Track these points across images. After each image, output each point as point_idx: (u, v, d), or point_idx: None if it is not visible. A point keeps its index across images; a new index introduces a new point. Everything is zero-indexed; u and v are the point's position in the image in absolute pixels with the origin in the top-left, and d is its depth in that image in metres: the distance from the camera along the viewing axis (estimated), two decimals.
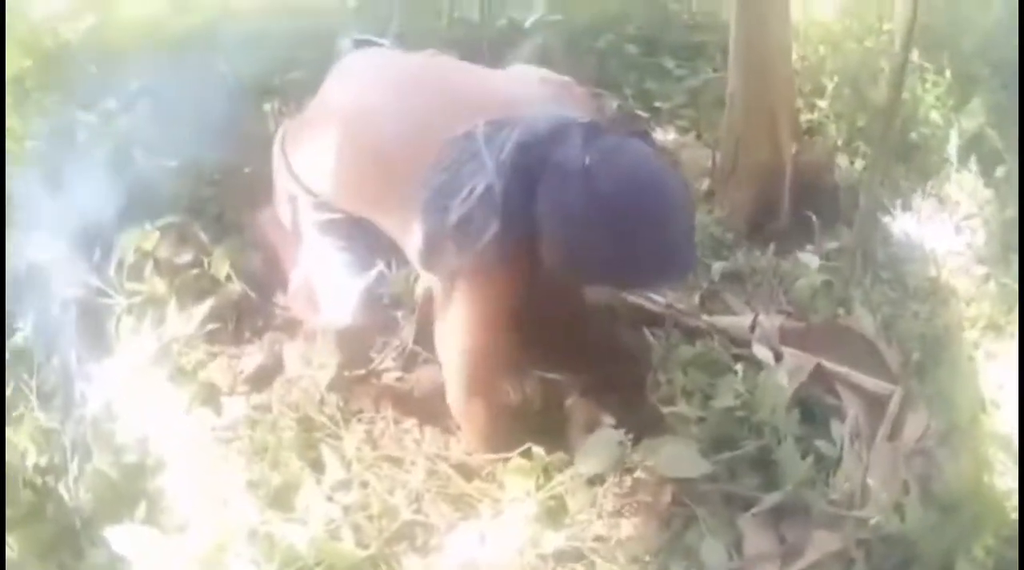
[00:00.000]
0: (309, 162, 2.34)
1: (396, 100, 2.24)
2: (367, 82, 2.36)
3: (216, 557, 2.09)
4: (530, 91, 2.24)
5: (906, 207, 3.31)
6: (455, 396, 2.29)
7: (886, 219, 3.25)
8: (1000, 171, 3.47)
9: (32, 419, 2.47)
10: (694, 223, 2.18)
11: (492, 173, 2.02)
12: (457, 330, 2.19)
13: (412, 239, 2.14)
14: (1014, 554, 2.18)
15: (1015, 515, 2.26)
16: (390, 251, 2.37)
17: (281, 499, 2.26)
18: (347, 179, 2.27)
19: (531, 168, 2.02)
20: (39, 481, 2.40)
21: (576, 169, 1.98)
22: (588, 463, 2.19)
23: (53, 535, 2.26)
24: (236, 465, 2.31)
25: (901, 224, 3.28)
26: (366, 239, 2.37)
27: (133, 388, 2.43)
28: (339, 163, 2.25)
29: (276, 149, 2.41)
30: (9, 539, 2.22)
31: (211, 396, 2.49)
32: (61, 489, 2.34)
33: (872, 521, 2.17)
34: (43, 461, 2.43)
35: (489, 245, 2.02)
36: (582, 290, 2.59)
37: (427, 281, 2.45)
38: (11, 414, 2.51)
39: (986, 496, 2.31)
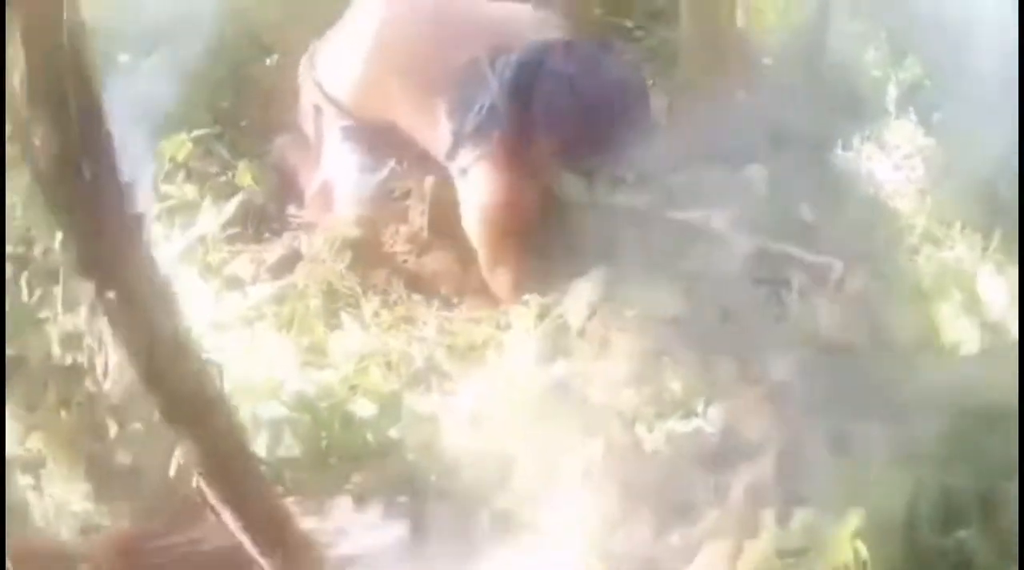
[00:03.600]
0: (336, 72, 3.03)
1: (417, 25, 3.02)
2: (395, 5, 3.04)
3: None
4: (522, 22, 3.05)
5: (846, 147, 3.91)
6: (485, 262, 3.02)
7: (829, 156, 3.85)
8: (937, 117, 3.95)
9: (57, 325, 2.93)
10: (650, 104, 3.11)
11: (495, 92, 2.85)
12: (477, 212, 2.97)
13: (437, 139, 2.95)
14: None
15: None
16: (401, 152, 3.02)
17: (311, 357, 2.79)
18: (374, 87, 3.00)
19: (527, 83, 2.85)
20: (63, 380, 2.85)
21: (563, 75, 2.83)
22: (578, 301, 2.76)
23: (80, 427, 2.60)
24: (265, 338, 2.83)
25: (841, 160, 3.88)
26: (380, 142, 3.07)
27: None
28: (367, 72, 3.00)
29: (304, 65, 3.08)
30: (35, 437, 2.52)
31: (237, 286, 2.99)
32: (88, 384, 2.81)
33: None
34: (68, 360, 2.90)
35: (496, 146, 2.86)
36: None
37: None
38: (36, 316, 2.97)
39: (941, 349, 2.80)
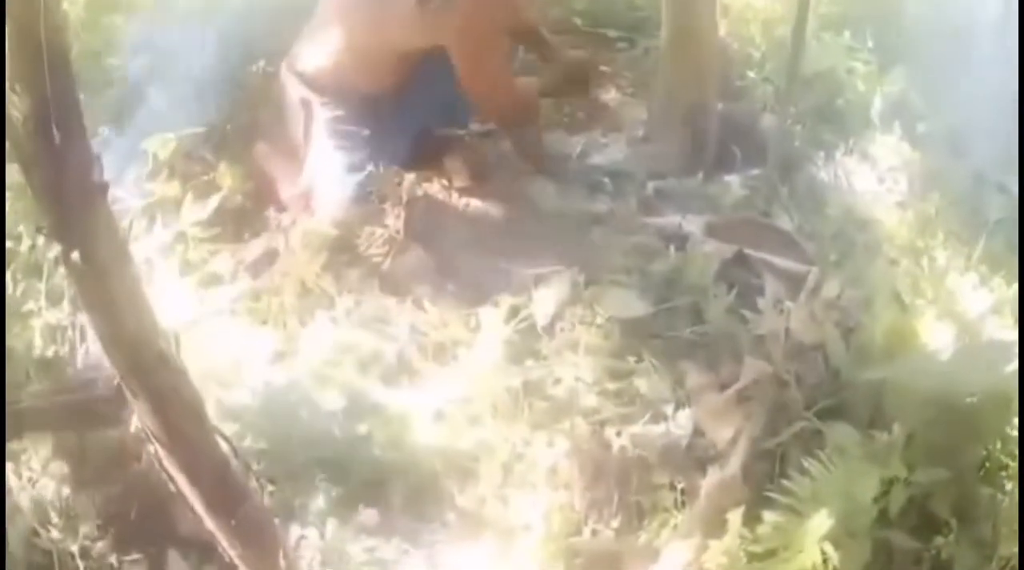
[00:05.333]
0: (315, 57, 3.26)
1: None
2: None
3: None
4: None
5: (829, 158, 4.01)
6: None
7: (809, 168, 3.97)
8: (921, 127, 4.09)
9: (41, 318, 2.99)
10: None
11: None
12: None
13: None
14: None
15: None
16: (379, 155, 3.16)
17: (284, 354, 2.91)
18: (347, 51, 3.25)
19: None
20: (45, 372, 2.88)
21: None
22: (546, 300, 2.88)
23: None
24: (241, 331, 2.96)
25: (822, 171, 3.98)
26: (362, 141, 3.24)
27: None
28: (337, 39, 3.25)
29: (284, 69, 3.24)
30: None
31: (215, 283, 3.11)
32: (69, 374, 2.86)
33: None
34: (49, 352, 2.95)
35: None
36: None
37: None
38: (20, 309, 3.01)
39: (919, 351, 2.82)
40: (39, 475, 2.75)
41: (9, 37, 1.39)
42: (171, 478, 1.79)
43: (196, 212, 3.13)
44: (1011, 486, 2.57)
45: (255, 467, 2.49)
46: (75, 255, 1.51)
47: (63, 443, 2.74)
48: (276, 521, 2.12)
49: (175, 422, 1.72)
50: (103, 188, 1.55)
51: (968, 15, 4.29)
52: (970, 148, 3.96)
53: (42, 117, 1.44)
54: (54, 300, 3.02)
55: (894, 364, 2.73)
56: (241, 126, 3.63)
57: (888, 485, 2.43)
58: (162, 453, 1.74)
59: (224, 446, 1.82)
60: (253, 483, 2.01)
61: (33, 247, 3.14)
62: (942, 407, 2.51)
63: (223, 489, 1.85)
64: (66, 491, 2.71)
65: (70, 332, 2.96)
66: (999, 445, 2.62)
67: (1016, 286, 3.15)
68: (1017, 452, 2.57)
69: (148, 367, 1.66)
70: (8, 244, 3.11)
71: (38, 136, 1.46)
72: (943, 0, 4.40)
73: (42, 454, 2.77)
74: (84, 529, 2.65)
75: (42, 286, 3.06)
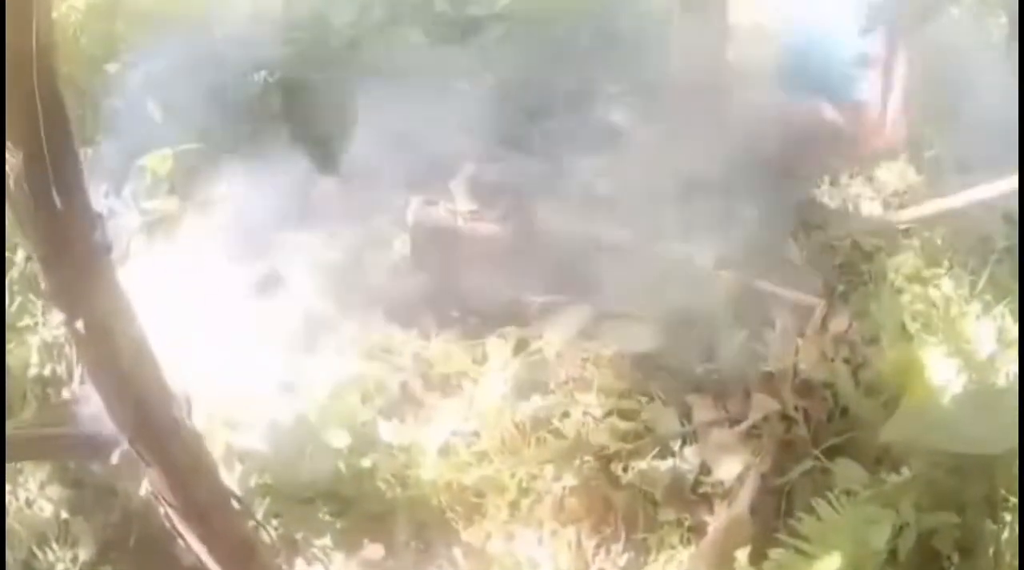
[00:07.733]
0: None
1: None
2: None
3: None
4: None
5: (833, 184, 4.00)
6: None
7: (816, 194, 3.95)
8: (929, 153, 4.02)
9: (38, 335, 2.95)
10: None
11: None
12: None
13: None
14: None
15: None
16: None
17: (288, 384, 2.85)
18: None
19: None
20: (40, 391, 2.87)
21: None
22: (555, 334, 2.83)
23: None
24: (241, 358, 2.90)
25: (827, 196, 3.96)
26: None
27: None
28: None
29: None
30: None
31: (215, 306, 3.05)
32: (65, 394, 2.84)
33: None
34: (47, 372, 2.91)
35: None
36: None
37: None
38: (16, 324, 2.96)
39: (924, 387, 2.78)
40: (36, 496, 2.70)
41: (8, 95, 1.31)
42: (183, 539, 1.74)
43: (196, 231, 3.05)
44: (1010, 518, 2.57)
45: (260, 501, 2.48)
46: (79, 324, 1.45)
47: (60, 467, 2.70)
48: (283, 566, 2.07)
49: (188, 486, 1.67)
50: (106, 249, 1.48)
51: (973, 41, 4.25)
52: (976, 174, 3.92)
53: (40, 181, 1.37)
54: (52, 315, 2.96)
55: (902, 416, 2.66)
56: (243, 138, 3.53)
57: (898, 531, 2.41)
58: (174, 516, 1.69)
59: (236, 505, 1.77)
60: (261, 528, 1.95)
61: (30, 258, 3.07)
62: (949, 452, 2.50)
63: (237, 546, 1.80)
64: (64, 515, 2.66)
65: (67, 349, 2.90)
66: (1001, 480, 2.59)
67: None
68: (1017, 487, 2.55)
69: (159, 433, 1.60)
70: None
71: (37, 202, 1.38)
72: (948, 25, 4.34)
73: (39, 477, 2.73)
74: (84, 556, 2.61)
75: (39, 300, 3.00)
